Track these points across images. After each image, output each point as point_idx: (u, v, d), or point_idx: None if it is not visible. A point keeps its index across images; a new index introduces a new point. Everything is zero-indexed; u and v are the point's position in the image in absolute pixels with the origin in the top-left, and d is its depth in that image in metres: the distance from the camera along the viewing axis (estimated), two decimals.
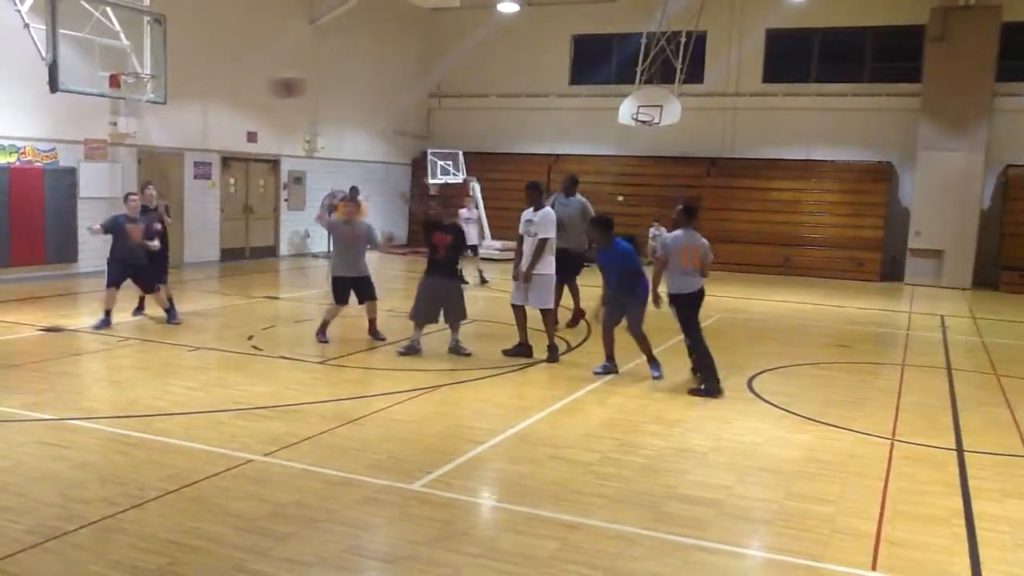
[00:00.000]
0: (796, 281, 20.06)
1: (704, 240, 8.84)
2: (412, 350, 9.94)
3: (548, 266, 9.86)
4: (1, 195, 14.59)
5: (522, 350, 10.06)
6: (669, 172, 23.15)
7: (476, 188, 20.21)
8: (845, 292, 18.36)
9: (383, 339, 10.69)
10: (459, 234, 10.38)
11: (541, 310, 9.95)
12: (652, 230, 20.47)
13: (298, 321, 12.18)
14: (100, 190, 16.36)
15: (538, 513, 5.40)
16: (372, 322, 10.81)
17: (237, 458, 6.17)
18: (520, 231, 9.99)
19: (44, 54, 12.12)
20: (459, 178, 21.75)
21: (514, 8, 20.93)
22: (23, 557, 4.55)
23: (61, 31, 12.09)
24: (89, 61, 13.58)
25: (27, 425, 6.93)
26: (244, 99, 19.39)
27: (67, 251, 15.95)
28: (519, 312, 10.05)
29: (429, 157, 21.99)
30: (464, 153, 22.46)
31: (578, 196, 11.88)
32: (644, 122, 20.30)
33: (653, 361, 9.34)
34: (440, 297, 10.00)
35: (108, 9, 13.12)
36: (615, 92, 22.24)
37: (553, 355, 9.92)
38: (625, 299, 9.21)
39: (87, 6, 12.84)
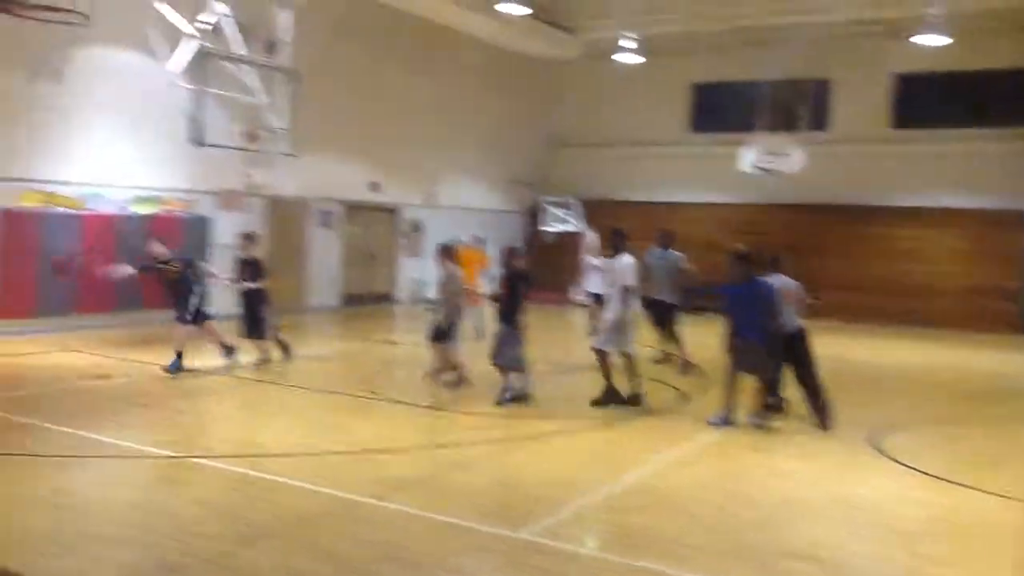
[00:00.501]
0: (924, 332, 19.08)
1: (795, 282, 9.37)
2: (516, 397, 9.84)
3: (630, 312, 9.75)
4: (144, 243, 15.43)
5: (612, 396, 9.81)
6: (791, 220, 22.53)
7: (591, 237, 20.16)
8: (978, 345, 17.33)
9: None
10: (513, 282, 10.09)
11: (622, 353, 9.76)
12: (774, 279, 19.90)
13: (412, 366, 12.32)
14: (233, 237, 17.12)
15: (647, 566, 5.23)
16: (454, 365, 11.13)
17: (348, 500, 6.24)
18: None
19: (189, 111, 12.85)
20: (574, 226, 21.79)
21: (635, 59, 21.00)
22: None
23: (205, 90, 12.80)
24: (228, 117, 14.35)
25: (150, 462, 7.23)
26: (367, 150, 20.05)
27: None
28: (602, 357, 9.83)
29: (544, 206, 22.11)
30: (580, 201, 22.52)
31: (672, 250, 12.42)
32: (766, 170, 19.91)
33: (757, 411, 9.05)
34: (495, 343, 9.92)
35: (248, 68, 13.83)
36: (735, 140, 21.91)
37: (636, 400, 9.68)
38: (754, 342, 8.88)
39: (229, 66, 13.59)
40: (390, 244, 21.65)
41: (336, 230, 19.90)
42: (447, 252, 11.01)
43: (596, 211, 22.55)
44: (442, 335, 10.57)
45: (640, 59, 21.00)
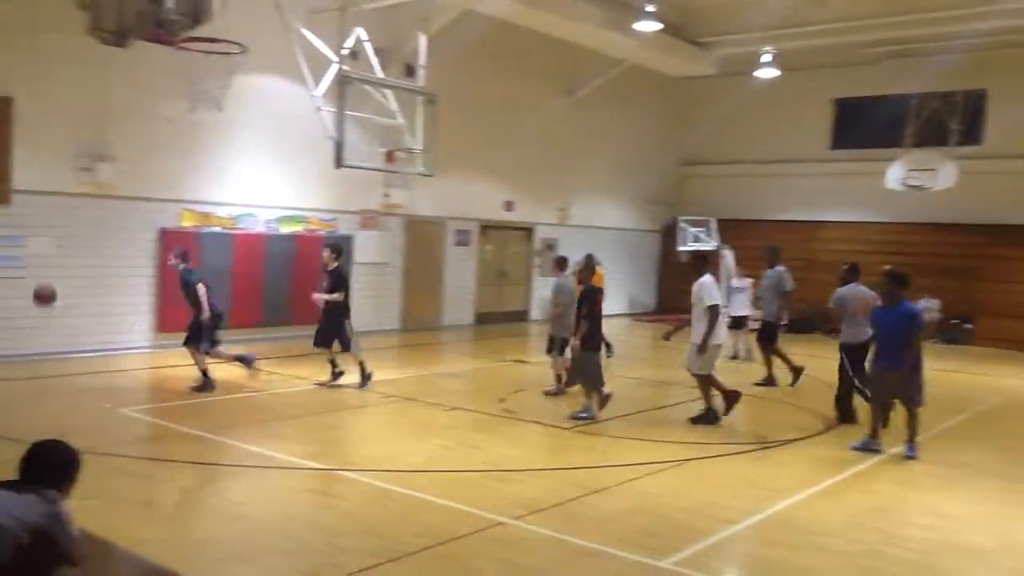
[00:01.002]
0: None
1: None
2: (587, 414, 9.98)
3: (715, 335, 9.80)
4: (289, 260, 16.13)
5: (710, 416, 9.95)
6: (942, 240, 21.40)
7: (728, 256, 19.75)
8: None
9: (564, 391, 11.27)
10: (585, 303, 10.15)
11: (696, 375, 9.95)
12: (923, 302, 18.94)
13: (544, 386, 12.32)
14: (373, 256, 17.69)
15: None
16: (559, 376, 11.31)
17: (488, 519, 6.27)
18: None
19: (332, 133, 13.33)
20: (711, 245, 21.39)
21: (773, 73, 20.48)
22: None
23: (347, 113, 13.27)
24: (368, 139, 14.81)
25: (299, 473, 7.48)
26: (502, 170, 20.31)
27: None
28: (699, 379, 10.03)
29: (680, 224, 21.83)
30: (717, 220, 22.11)
31: (778, 268, 12.57)
32: (914, 187, 19.02)
33: (911, 441, 8.62)
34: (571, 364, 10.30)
35: (388, 92, 14.26)
36: (880, 156, 21.04)
37: (711, 417, 9.91)
38: (896, 367, 8.51)
39: (370, 89, 14.04)
40: (524, 263, 21.82)
41: (471, 249, 20.21)
42: (560, 263, 11.74)
43: (733, 230, 22.05)
44: (559, 347, 10.97)
45: (777, 74, 20.50)
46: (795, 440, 9.31)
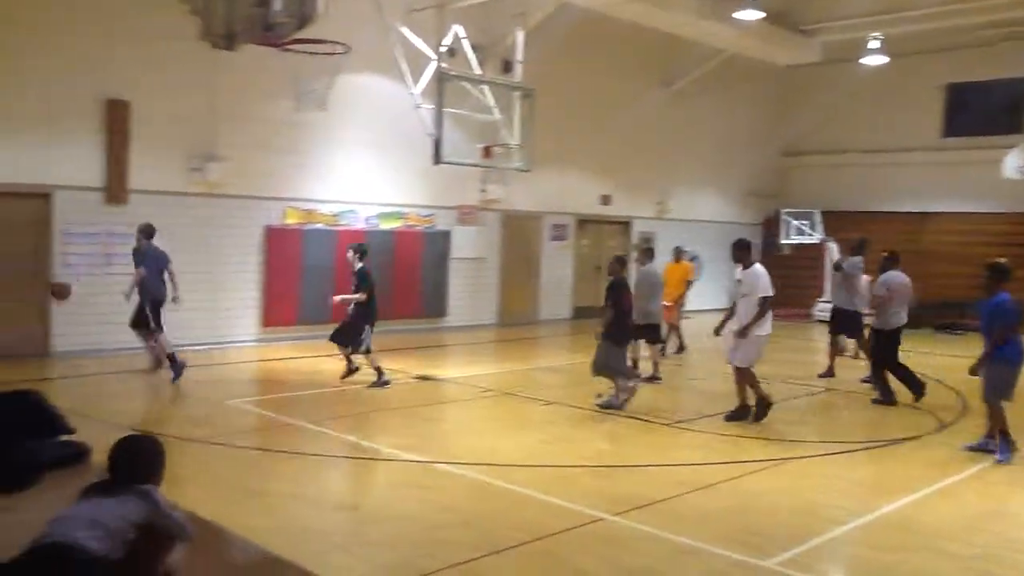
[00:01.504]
0: None
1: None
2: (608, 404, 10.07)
3: (760, 326, 9.38)
4: (388, 255, 16.40)
5: (742, 412, 9.58)
6: None
7: (833, 249, 19.17)
8: None
9: (659, 378, 11.82)
10: (611, 295, 10.13)
11: (737, 368, 9.55)
12: None
13: (644, 381, 12.19)
14: (470, 251, 17.84)
15: None
16: (635, 361, 11.56)
17: (587, 515, 6.23)
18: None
19: (431, 130, 13.50)
20: (815, 238, 20.81)
21: (881, 60, 19.74)
22: None
23: (445, 109, 13.41)
24: (466, 135, 14.94)
25: (399, 465, 7.60)
26: (599, 163, 20.20)
27: (439, 306, 17.50)
28: (737, 372, 9.64)
29: (783, 217, 21.29)
30: (821, 212, 21.49)
31: (858, 258, 12.50)
32: None
33: (1004, 439, 8.16)
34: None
35: (485, 88, 14.35)
36: (997, 144, 20.06)
37: (761, 411, 9.49)
38: (998, 363, 8.12)
39: (467, 86, 14.16)
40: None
41: (568, 243, 20.17)
42: (646, 254, 12.20)
43: (838, 222, 21.41)
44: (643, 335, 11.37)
45: (885, 60, 19.77)
46: (903, 440, 8.96)
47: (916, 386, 10.67)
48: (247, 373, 12.54)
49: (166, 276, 11.31)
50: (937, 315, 19.12)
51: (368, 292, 11.10)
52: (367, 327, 11.18)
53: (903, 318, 10.77)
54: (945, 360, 10.09)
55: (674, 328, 14.44)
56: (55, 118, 12.48)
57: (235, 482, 6.94)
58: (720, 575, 5.29)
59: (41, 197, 12.47)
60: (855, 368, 12.72)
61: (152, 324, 11.14)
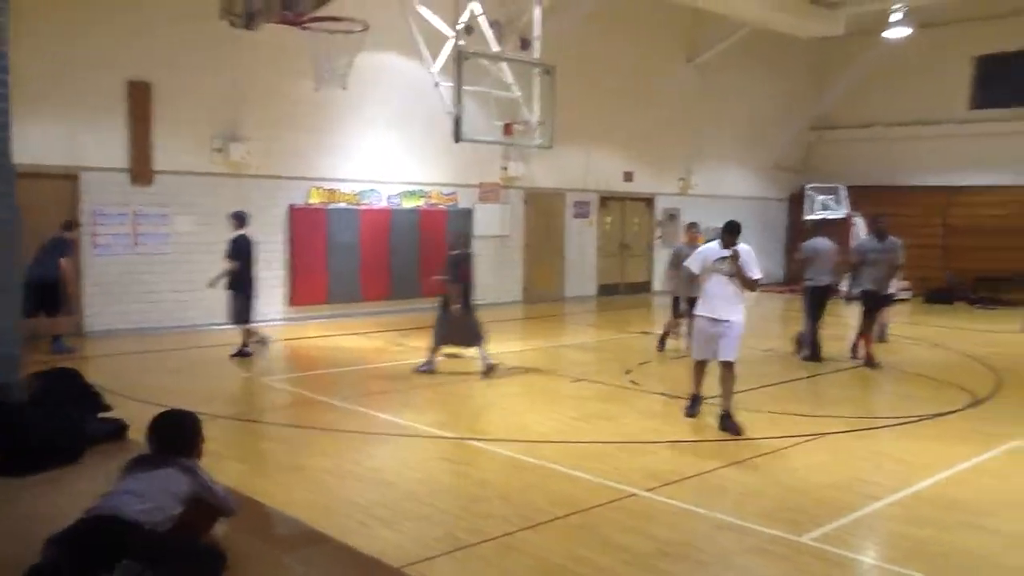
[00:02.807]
0: None
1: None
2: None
3: (740, 312, 8.12)
4: (413, 233, 16.40)
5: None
6: None
7: (860, 224, 18.98)
8: None
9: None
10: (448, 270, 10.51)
11: (723, 362, 8.11)
12: None
13: (674, 358, 12.14)
14: (492, 229, 17.80)
15: None
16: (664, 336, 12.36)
17: (621, 491, 6.22)
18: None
19: (450, 108, 13.43)
20: (841, 213, 20.59)
21: (906, 32, 19.43)
22: (439, 562, 4.94)
23: (464, 87, 13.32)
24: (485, 112, 14.85)
25: (432, 441, 7.61)
26: (621, 140, 20.05)
27: None
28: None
29: (807, 192, 21.09)
30: (847, 187, 21.25)
31: (892, 238, 11.70)
32: None
33: None
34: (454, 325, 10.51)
35: (504, 65, 14.23)
36: None
37: (732, 427, 8.00)
38: None
39: (486, 63, 14.05)
40: (646, 233, 21.54)
41: (591, 220, 20.07)
42: (689, 228, 12.51)
43: (865, 197, 21.19)
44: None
45: (911, 31, 19.45)
46: (938, 415, 8.87)
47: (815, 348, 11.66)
48: (277, 351, 12.58)
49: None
50: (972, 290, 19.10)
51: (243, 260, 11.07)
52: (240, 296, 11.18)
53: (825, 279, 11.76)
54: (980, 335, 9.95)
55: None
56: (81, 100, 12.53)
57: (273, 458, 6.98)
58: (756, 550, 5.26)
59: (69, 178, 12.55)
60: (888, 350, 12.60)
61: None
